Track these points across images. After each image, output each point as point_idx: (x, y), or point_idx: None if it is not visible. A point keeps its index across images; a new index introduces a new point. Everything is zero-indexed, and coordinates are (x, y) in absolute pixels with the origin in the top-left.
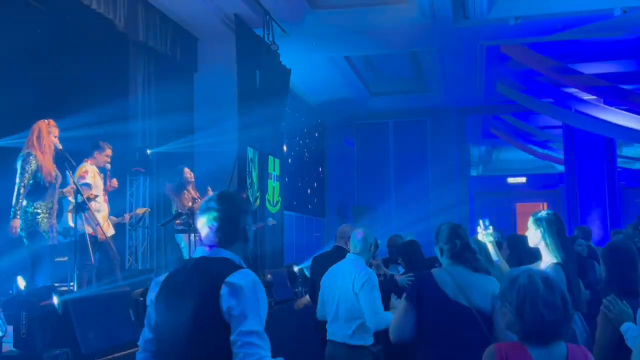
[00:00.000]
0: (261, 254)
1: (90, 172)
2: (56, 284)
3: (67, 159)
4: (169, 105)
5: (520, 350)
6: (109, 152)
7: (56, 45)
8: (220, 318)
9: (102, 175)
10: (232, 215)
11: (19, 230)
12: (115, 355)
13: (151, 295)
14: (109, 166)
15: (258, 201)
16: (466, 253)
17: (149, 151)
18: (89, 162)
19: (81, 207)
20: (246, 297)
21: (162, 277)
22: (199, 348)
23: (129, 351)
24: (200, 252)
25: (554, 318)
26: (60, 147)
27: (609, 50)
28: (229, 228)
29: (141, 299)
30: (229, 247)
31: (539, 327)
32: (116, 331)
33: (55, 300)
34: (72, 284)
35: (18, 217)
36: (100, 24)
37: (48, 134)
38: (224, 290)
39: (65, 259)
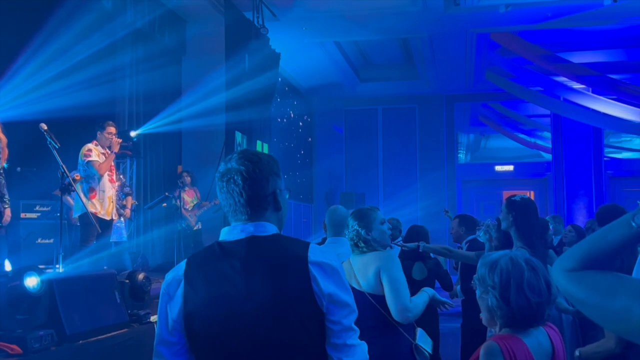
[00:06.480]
0: None
1: (94, 151)
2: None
3: (51, 139)
4: (157, 88)
5: (518, 342)
6: (111, 129)
7: (42, 25)
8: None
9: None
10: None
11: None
12: (101, 337)
13: (170, 289)
14: (116, 145)
15: None
16: (357, 239)
17: (132, 133)
18: (94, 142)
19: (67, 189)
20: (343, 280)
21: (181, 270)
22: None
23: (114, 333)
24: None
25: (539, 300)
26: (45, 127)
27: (598, 40)
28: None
29: (127, 281)
30: (267, 220)
31: (525, 311)
32: (102, 313)
33: (33, 281)
34: (57, 265)
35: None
36: (88, 5)
37: None
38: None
39: (51, 241)
